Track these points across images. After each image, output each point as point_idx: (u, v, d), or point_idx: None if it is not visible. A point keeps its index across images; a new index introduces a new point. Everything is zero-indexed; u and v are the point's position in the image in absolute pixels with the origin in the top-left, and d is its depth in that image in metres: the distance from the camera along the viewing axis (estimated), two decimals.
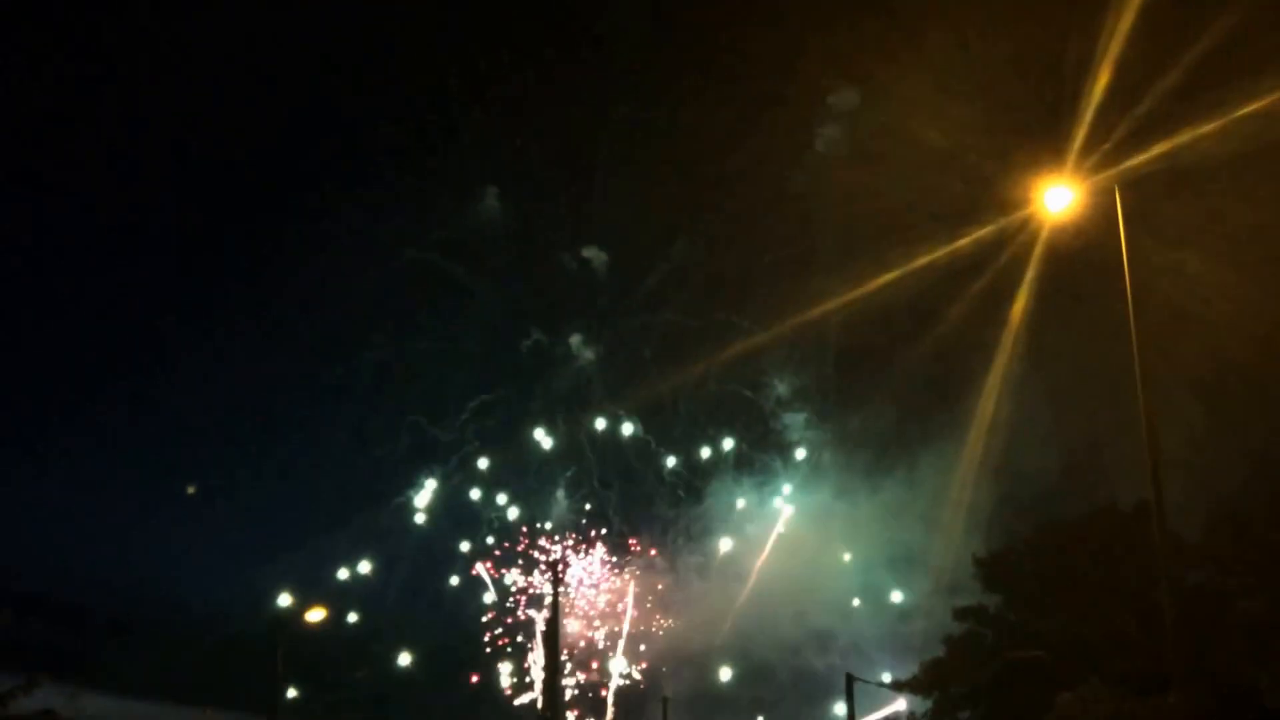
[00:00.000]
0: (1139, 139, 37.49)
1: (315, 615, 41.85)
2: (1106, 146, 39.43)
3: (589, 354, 69.25)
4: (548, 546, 68.60)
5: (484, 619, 67.68)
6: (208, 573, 63.51)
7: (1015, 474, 55.42)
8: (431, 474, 68.00)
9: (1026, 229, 46.87)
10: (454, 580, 68.08)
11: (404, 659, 66.20)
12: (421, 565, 67.40)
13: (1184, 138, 35.95)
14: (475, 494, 68.54)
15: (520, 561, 68.34)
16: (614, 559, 68.83)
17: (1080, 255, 44.71)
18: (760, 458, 69.18)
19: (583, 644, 67.84)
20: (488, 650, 67.38)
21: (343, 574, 65.85)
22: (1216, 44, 38.24)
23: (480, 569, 67.99)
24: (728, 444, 68.99)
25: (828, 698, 61.92)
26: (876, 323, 60.28)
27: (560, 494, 69.09)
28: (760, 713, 66.63)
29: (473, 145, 66.40)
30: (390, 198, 66.41)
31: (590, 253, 68.08)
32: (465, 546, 68.31)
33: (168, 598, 59.39)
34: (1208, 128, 35.52)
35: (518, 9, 64.89)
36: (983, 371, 55.26)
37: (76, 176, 62.14)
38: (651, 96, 63.03)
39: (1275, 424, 38.31)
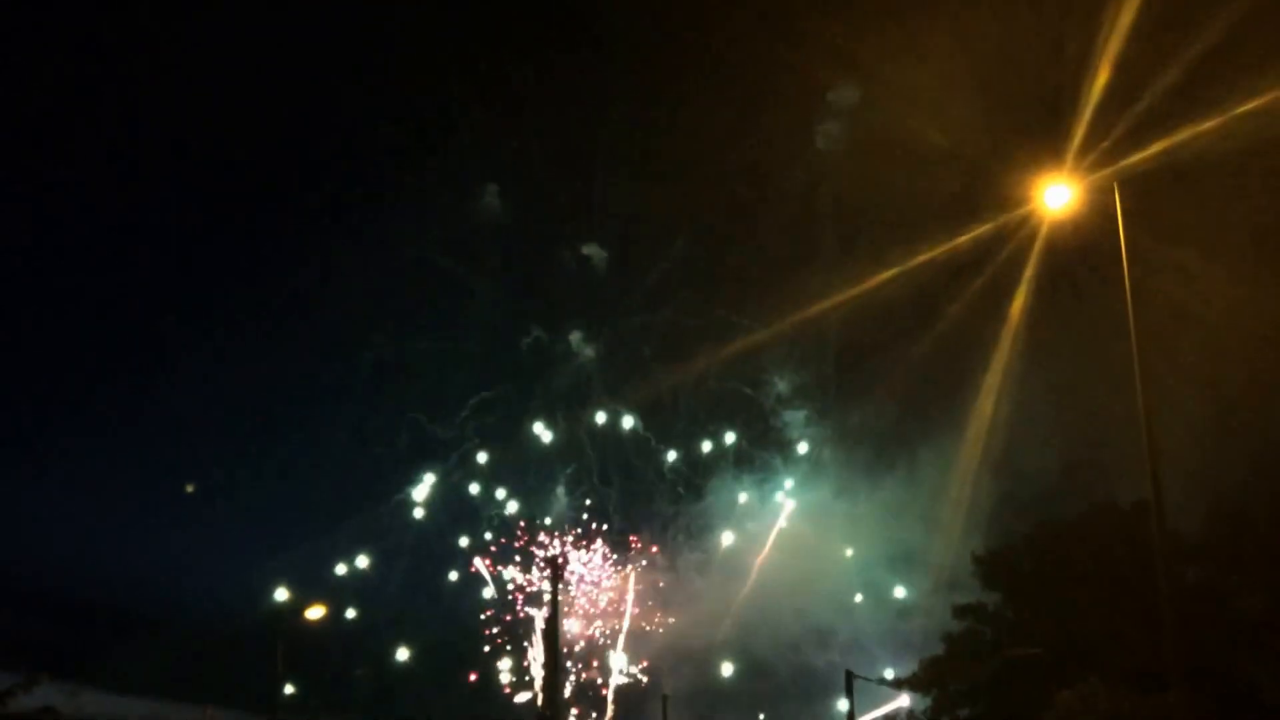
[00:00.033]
0: (1138, 137, 37.48)
1: (315, 613, 41.87)
2: (1106, 144, 39.41)
3: (589, 351, 69.23)
4: (547, 543, 68.71)
5: (483, 616, 67.82)
6: (208, 570, 63.58)
7: (1015, 471, 55.48)
8: (431, 471, 68.12)
9: (1026, 226, 46.93)
10: (453, 576, 68.21)
11: (403, 655, 66.21)
12: (421, 561, 67.57)
13: (1183, 135, 35.94)
14: (474, 489, 68.66)
15: (517, 559, 68.51)
16: (614, 556, 68.93)
17: (1079, 253, 44.93)
18: (760, 455, 69.20)
19: (582, 642, 67.95)
20: (486, 650, 67.52)
21: (341, 570, 65.86)
22: (1216, 42, 38.19)
23: (479, 565, 68.12)
24: (728, 440, 69.06)
25: (828, 694, 61.79)
26: (876, 320, 60.26)
27: (560, 490, 69.15)
28: (760, 710, 66.73)
29: (473, 144, 66.37)
30: (390, 197, 66.52)
31: (590, 250, 68.08)
32: (464, 542, 68.40)
33: (168, 595, 59.52)
34: (1207, 125, 35.51)
35: (518, 9, 64.82)
36: (982, 369, 55.29)
37: (76, 176, 62.31)
38: (651, 96, 63.15)
39: (1275, 422, 38.20)
